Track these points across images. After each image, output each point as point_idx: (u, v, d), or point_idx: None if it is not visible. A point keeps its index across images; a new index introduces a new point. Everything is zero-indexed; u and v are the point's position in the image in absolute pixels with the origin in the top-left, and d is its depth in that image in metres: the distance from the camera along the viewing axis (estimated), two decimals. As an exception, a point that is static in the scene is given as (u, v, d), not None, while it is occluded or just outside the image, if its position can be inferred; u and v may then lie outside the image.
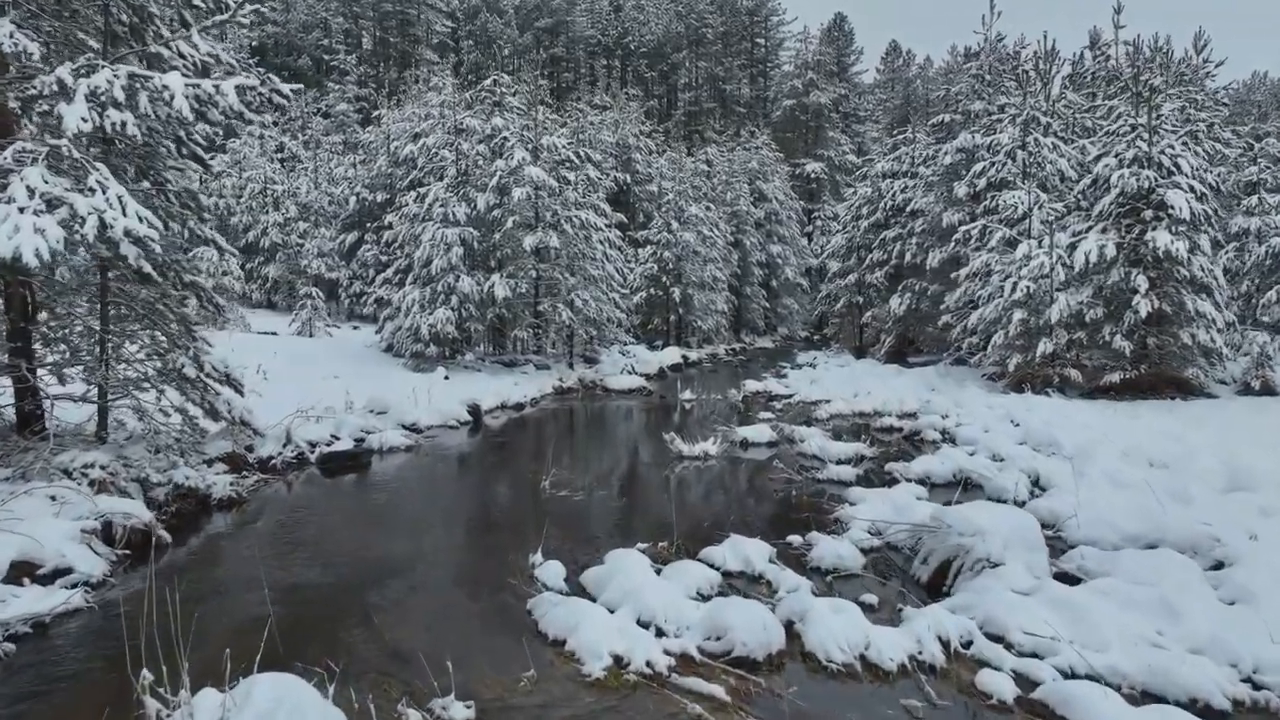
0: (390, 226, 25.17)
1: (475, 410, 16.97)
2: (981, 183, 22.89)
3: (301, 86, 11.45)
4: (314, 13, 77.66)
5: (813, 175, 64.24)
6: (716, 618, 6.11)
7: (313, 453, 12.57)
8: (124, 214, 8.06)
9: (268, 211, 38.64)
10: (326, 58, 71.89)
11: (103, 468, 8.90)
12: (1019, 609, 6.33)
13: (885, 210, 33.38)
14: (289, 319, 31.20)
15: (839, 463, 12.32)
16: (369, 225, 35.44)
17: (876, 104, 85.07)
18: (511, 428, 17.02)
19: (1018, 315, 18.25)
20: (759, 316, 51.43)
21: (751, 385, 23.01)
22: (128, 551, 7.76)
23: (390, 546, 8.41)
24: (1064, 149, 21.49)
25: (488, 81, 25.19)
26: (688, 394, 21.08)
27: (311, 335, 29.40)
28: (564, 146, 23.89)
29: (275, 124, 51.97)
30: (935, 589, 7.25)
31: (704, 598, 6.82)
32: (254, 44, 78.35)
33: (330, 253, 37.55)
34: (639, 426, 18.00)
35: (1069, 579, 7.26)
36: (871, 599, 6.96)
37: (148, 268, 9.36)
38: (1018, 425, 14.35)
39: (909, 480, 10.99)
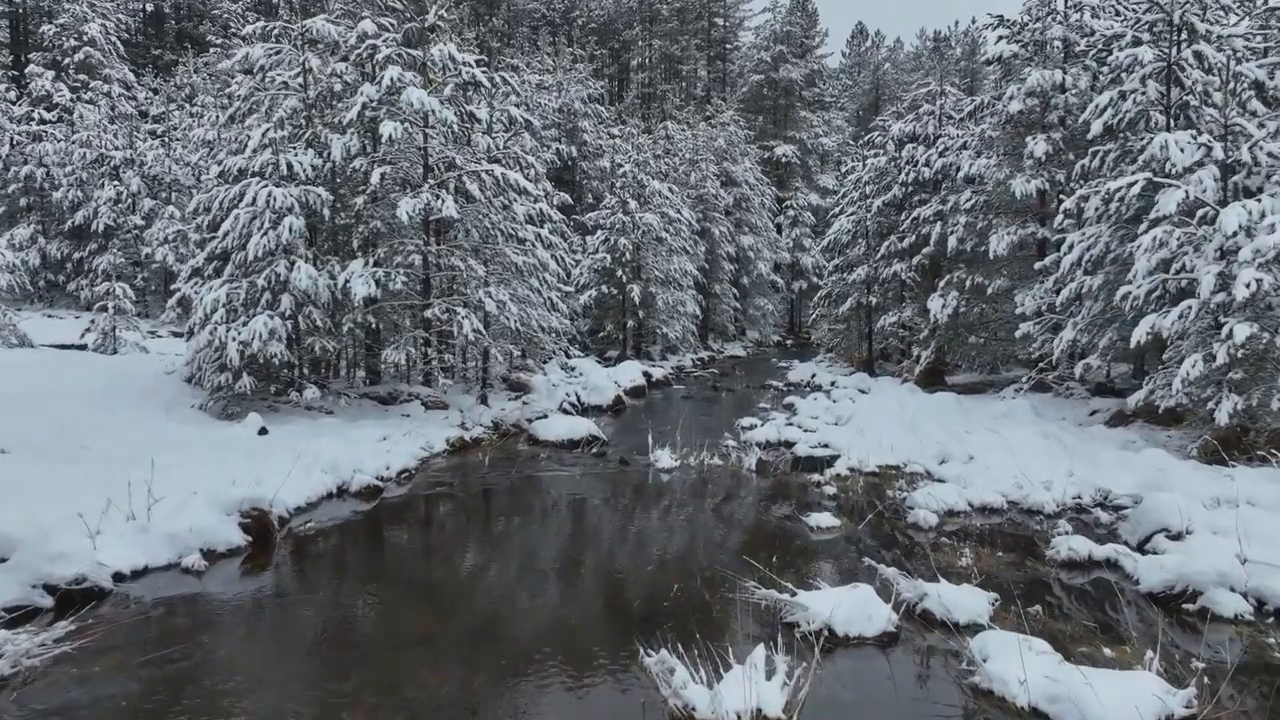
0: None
1: (259, 522, 8.51)
2: (1097, 125, 15.23)
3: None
4: (218, -27, 67.48)
5: (783, 159, 56.69)
6: None
7: None
8: None
9: (104, 186, 29.37)
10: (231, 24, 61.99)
11: None
12: None
13: (904, 185, 25.70)
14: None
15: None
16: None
17: (842, 90, 78.57)
18: (326, 562, 8.58)
19: (1241, 330, 10.53)
20: (728, 319, 43.72)
21: (755, 431, 15.02)
22: None
23: None
24: (1241, 68, 14.02)
25: (353, -33, 16.66)
26: (665, 455, 12.88)
27: (115, 350, 20.54)
28: (469, 63, 15.43)
29: (156, 91, 42.26)
30: None
31: None
32: (149, 8, 68.07)
33: (177, 238, 28.49)
34: (586, 551, 9.77)
35: None
36: None
37: None
38: None
39: None
